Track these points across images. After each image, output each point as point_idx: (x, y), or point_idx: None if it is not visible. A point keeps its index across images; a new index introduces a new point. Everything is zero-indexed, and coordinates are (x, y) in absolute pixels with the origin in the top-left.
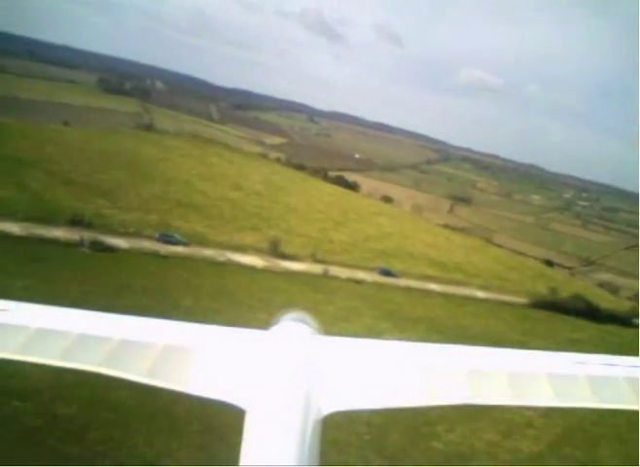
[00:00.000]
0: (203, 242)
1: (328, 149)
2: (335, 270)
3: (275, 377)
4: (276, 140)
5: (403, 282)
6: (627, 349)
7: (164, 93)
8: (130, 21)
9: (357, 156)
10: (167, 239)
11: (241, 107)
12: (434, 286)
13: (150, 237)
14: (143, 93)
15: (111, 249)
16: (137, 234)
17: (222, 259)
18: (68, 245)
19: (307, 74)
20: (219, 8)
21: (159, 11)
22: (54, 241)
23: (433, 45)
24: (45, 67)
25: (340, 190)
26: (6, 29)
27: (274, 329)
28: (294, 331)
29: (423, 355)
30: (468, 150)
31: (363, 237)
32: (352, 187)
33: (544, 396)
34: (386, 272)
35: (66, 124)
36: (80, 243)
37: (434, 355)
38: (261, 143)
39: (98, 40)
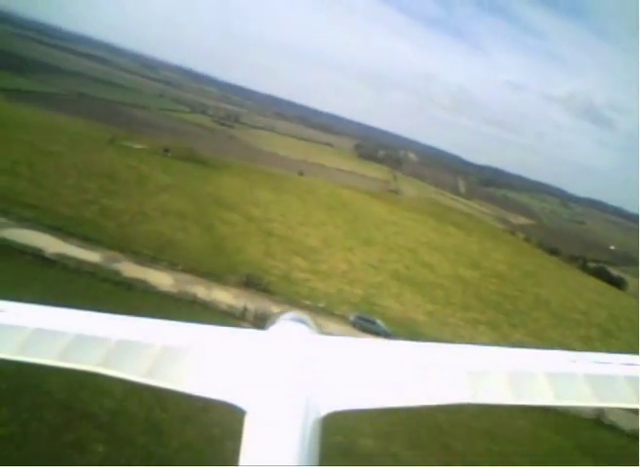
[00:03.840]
0: (415, 335)
1: (580, 236)
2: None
3: (275, 377)
4: (522, 220)
5: None
6: None
7: (415, 164)
8: (395, 95)
9: (612, 247)
10: (365, 325)
11: (490, 184)
12: None
13: (342, 318)
14: (394, 162)
15: None
16: (327, 312)
17: None
18: (226, 315)
19: (567, 158)
20: (485, 88)
21: (424, 88)
22: (209, 307)
23: None
24: (310, 131)
25: (603, 285)
26: (281, 95)
27: (273, 329)
28: (293, 331)
29: (423, 355)
30: None
31: None
32: (616, 283)
33: (543, 395)
34: None
35: (301, 173)
36: (241, 315)
37: (433, 355)
38: (505, 221)
39: (363, 111)
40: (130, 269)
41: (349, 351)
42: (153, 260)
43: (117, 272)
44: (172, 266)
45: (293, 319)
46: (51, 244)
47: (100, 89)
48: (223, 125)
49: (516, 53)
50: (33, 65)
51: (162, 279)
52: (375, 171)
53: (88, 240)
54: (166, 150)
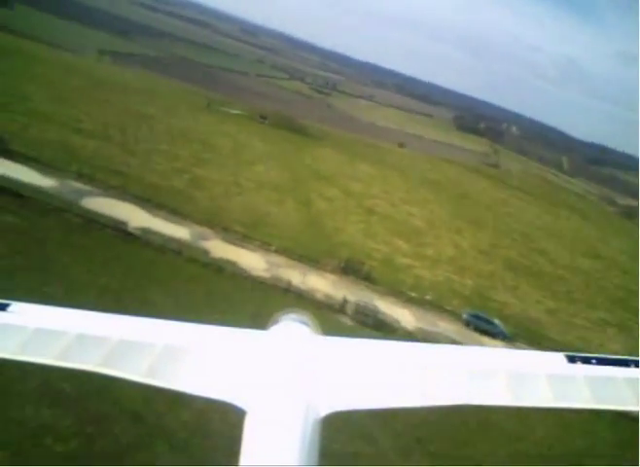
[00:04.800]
0: (537, 339)
1: None
2: None
3: (275, 377)
4: (630, 202)
5: None
6: None
7: (517, 138)
8: (499, 66)
9: None
10: (481, 325)
11: (596, 162)
12: None
13: (454, 315)
14: (495, 135)
15: (386, 326)
16: (435, 307)
17: None
18: (324, 306)
19: None
20: (595, 59)
21: (529, 58)
22: (304, 296)
23: None
24: (409, 101)
25: None
26: (380, 63)
27: (274, 329)
28: (293, 331)
29: (422, 355)
30: None
31: None
32: None
33: (543, 397)
34: None
35: (401, 145)
36: (340, 307)
37: (433, 355)
38: (612, 203)
39: (465, 81)
40: (220, 249)
41: (349, 351)
42: (244, 238)
43: (205, 252)
44: (265, 246)
45: (294, 319)
46: (135, 216)
47: (201, 53)
48: (320, 92)
49: (633, 22)
50: (139, 29)
51: (254, 262)
52: (476, 144)
53: (176, 213)
54: (263, 117)
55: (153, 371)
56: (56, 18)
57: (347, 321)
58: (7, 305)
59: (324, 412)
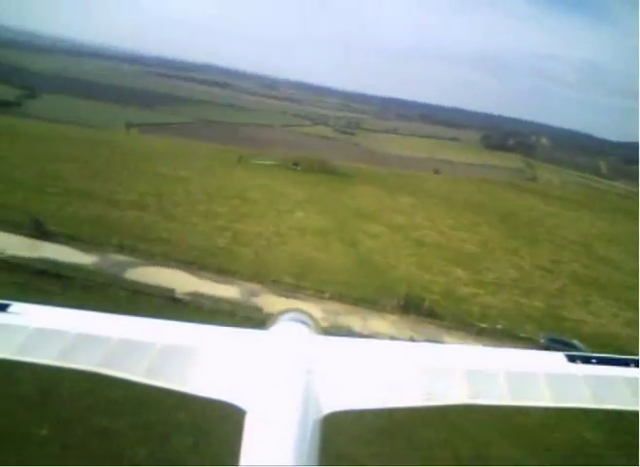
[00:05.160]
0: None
1: None
2: None
3: (275, 377)
4: None
5: None
6: None
7: (549, 149)
8: (519, 81)
9: None
10: (560, 348)
11: (635, 161)
12: None
13: (530, 342)
14: (526, 149)
15: None
16: (508, 335)
17: None
18: None
19: None
20: (610, 57)
21: (547, 67)
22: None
23: None
24: (434, 128)
25: None
26: (401, 96)
27: (274, 329)
28: (293, 331)
29: (422, 355)
30: None
31: None
32: None
33: (542, 396)
34: None
35: (436, 172)
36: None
37: (433, 355)
38: None
39: (487, 100)
40: (272, 303)
41: (349, 351)
42: (296, 288)
43: (257, 309)
44: (318, 293)
45: (293, 319)
46: (182, 282)
47: (225, 112)
48: (345, 133)
49: None
50: (162, 98)
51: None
52: (508, 161)
53: (222, 273)
54: (296, 163)
55: (152, 371)
56: (82, 100)
57: None
58: (7, 306)
59: (324, 411)
